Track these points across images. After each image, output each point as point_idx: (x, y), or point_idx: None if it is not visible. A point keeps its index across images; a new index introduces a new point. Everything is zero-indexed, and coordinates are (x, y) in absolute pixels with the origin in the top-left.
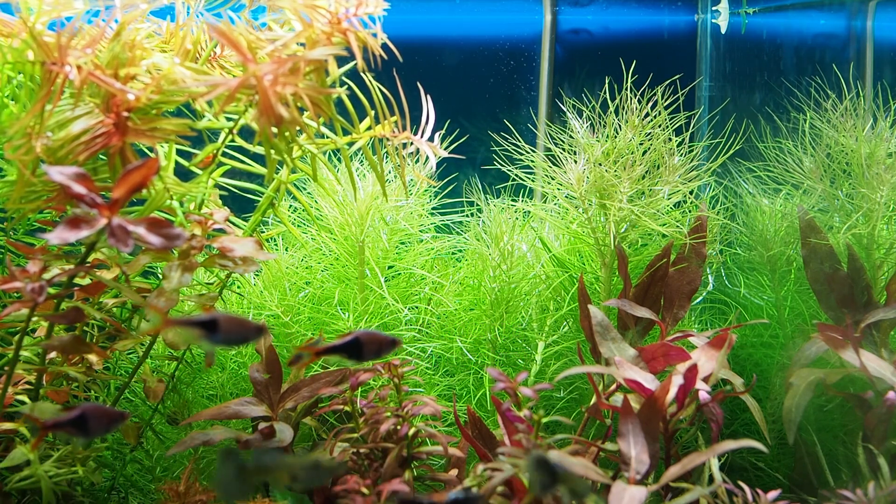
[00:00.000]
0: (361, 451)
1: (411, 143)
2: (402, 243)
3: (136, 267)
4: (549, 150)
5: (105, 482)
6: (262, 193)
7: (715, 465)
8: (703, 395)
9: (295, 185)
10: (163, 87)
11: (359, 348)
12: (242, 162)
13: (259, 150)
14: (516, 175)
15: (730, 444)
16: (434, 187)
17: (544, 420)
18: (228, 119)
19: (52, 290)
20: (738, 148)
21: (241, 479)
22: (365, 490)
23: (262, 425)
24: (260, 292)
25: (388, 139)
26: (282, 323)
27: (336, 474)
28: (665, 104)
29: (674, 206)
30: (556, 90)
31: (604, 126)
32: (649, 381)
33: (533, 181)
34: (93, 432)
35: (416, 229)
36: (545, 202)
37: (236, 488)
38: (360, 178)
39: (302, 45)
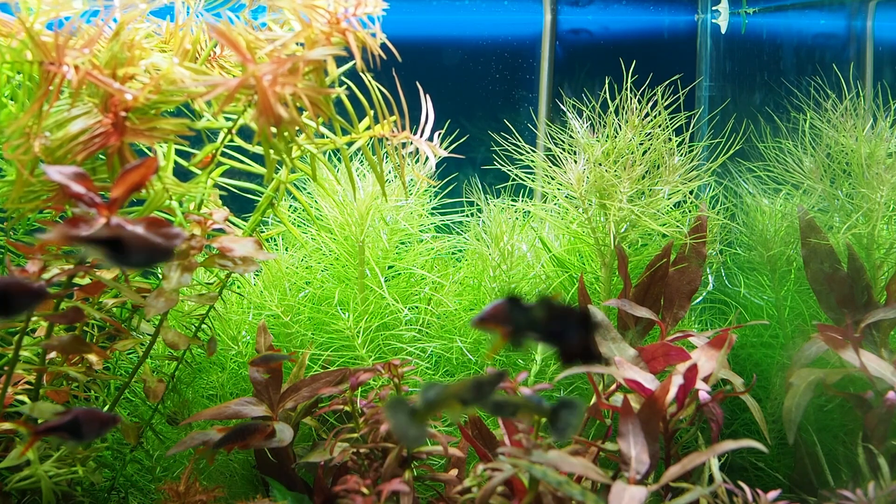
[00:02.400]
0: (361, 451)
1: (411, 143)
2: (402, 243)
3: None
4: (549, 150)
5: (105, 482)
6: (262, 193)
7: (715, 465)
8: (703, 395)
9: (295, 184)
10: (161, 86)
11: None
12: (242, 162)
13: (258, 149)
14: (516, 175)
15: (730, 444)
16: (434, 187)
17: (544, 420)
18: (227, 119)
19: (51, 290)
20: (738, 148)
21: (416, 423)
22: (365, 490)
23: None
24: (260, 292)
25: (387, 139)
26: (282, 323)
27: (497, 385)
28: (665, 104)
29: (674, 206)
30: (556, 90)
31: (604, 126)
32: (649, 381)
33: (533, 181)
34: (85, 436)
35: (416, 229)
36: (545, 202)
37: (415, 432)
38: (360, 178)
39: (301, 45)
